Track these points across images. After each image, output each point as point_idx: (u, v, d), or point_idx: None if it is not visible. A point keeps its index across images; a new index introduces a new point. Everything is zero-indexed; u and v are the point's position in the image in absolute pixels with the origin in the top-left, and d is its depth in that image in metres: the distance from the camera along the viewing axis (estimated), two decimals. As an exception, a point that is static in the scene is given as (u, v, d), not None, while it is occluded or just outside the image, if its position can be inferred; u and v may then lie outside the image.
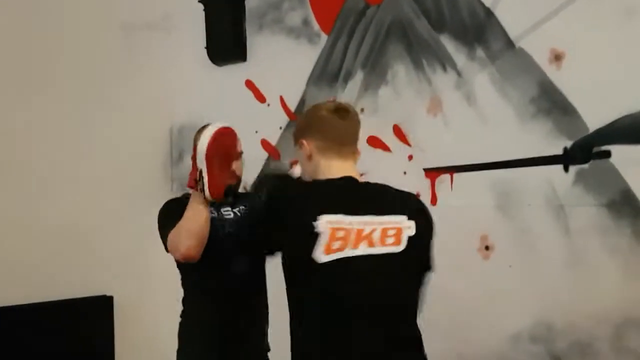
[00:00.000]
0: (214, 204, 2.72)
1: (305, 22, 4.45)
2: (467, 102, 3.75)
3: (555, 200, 3.45)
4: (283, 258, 2.18)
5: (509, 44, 3.61)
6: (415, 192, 3.86)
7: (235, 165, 2.76)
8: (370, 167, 4.04)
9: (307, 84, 4.43)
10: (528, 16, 3.53)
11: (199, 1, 4.85)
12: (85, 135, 4.81)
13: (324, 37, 4.37)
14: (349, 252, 2.05)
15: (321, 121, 2.29)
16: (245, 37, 4.74)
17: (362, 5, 4.19)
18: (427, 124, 3.89)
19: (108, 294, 4.74)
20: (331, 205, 2.10)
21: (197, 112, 4.91)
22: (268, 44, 4.64)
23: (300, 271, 2.10)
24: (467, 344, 3.65)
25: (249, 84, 4.71)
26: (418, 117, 3.92)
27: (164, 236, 2.75)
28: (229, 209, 2.90)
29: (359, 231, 2.08)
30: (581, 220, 3.37)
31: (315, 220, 2.05)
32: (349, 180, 2.22)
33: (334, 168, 2.24)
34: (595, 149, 3.33)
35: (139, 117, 5.01)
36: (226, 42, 4.77)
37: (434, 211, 3.76)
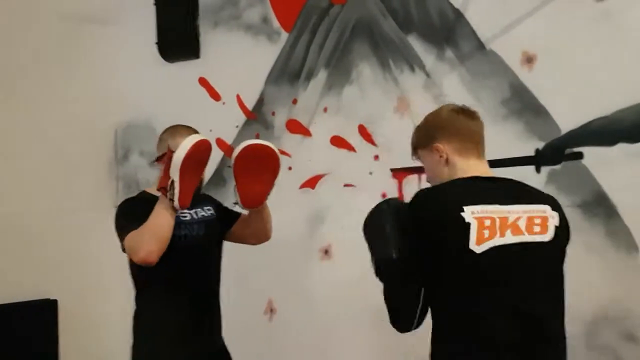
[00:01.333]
0: None
1: (265, 20, 4.38)
2: (436, 103, 3.75)
3: (527, 201, 3.48)
4: (432, 259, 2.05)
5: (480, 45, 3.64)
6: (381, 193, 3.87)
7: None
8: (334, 167, 4.06)
9: (266, 83, 4.35)
10: (499, 18, 3.58)
11: (149, -5, 4.71)
12: (25, 133, 4.60)
13: (284, 35, 4.30)
14: (497, 241, 2.01)
15: (454, 122, 2.26)
16: (199, 33, 4.62)
17: (325, 3, 4.15)
18: (394, 124, 3.88)
19: (52, 297, 4.54)
20: (472, 198, 2.06)
21: (145, 110, 4.78)
22: (223, 40, 4.54)
23: (458, 265, 2.02)
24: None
25: (203, 82, 4.59)
26: (385, 117, 3.92)
27: (122, 236, 2.73)
28: (186, 211, 2.87)
29: (503, 219, 2.04)
30: (553, 221, 3.41)
31: (462, 211, 2.01)
32: (487, 177, 2.21)
33: (472, 168, 2.21)
34: (568, 151, 3.40)
35: (82, 114, 4.82)
36: (178, 37, 4.65)
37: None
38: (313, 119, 4.17)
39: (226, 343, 3.04)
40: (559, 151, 3.41)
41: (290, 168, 4.14)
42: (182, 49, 4.66)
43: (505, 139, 3.55)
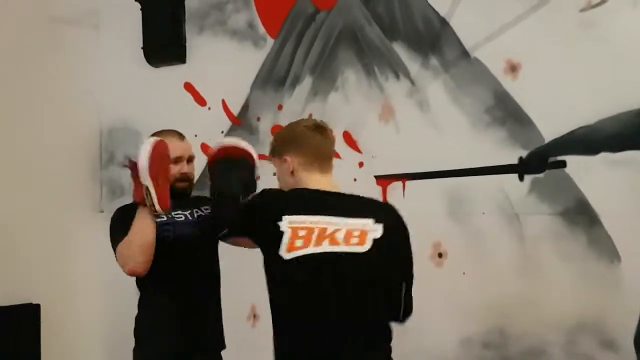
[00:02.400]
0: None
1: (251, 25, 4.38)
2: (421, 110, 3.78)
3: (510, 209, 3.51)
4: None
5: (464, 53, 3.66)
6: (365, 199, 3.87)
7: (188, 169, 2.88)
8: (318, 173, 4.05)
9: (252, 88, 4.36)
10: (484, 27, 3.59)
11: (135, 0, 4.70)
12: (8, 136, 4.58)
13: (270, 41, 4.31)
14: (310, 250, 2.21)
15: (304, 138, 2.43)
16: (185, 38, 4.62)
17: (311, 10, 4.16)
18: (379, 131, 3.89)
19: (34, 301, 4.52)
20: (297, 207, 2.28)
21: (131, 114, 4.77)
22: (209, 46, 4.54)
23: (270, 268, 2.29)
24: (419, 350, 3.66)
25: (188, 87, 4.60)
26: (369, 124, 3.92)
27: (114, 247, 2.78)
28: (180, 212, 2.89)
29: (322, 230, 2.23)
30: (536, 229, 3.44)
31: (280, 220, 2.23)
32: (321, 190, 2.38)
33: (314, 182, 2.39)
34: (551, 159, 3.41)
35: (67, 117, 4.81)
36: (164, 42, 4.65)
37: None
38: (298, 125, 4.16)
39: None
40: (542, 160, 3.43)
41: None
42: (168, 54, 4.67)
43: (488, 147, 3.56)
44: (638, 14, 3.25)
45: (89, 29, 4.96)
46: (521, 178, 3.49)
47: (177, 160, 2.81)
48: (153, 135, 3.01)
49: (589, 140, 3.32)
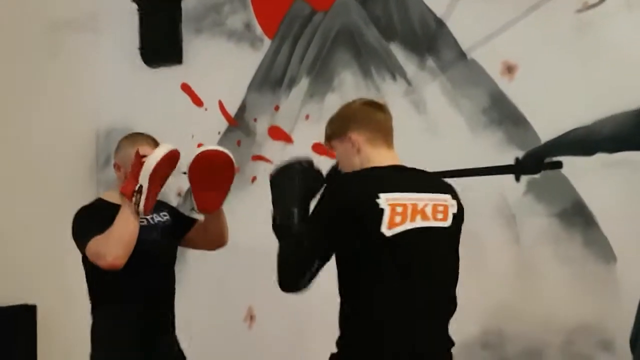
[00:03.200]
0: None
1: (248, 26, 4.38)
2: (417, 111, 3.78)
3: (506, 210, 3.51)
4: (345, 242, 2.26)
5: (461, 54, 3.66)
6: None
7: None
8: (316, 174, 4.05)
9: (249, 89, 4.35)
10: (480, 28, 3.60)
11: (132, 0, 4.69)
12: (4, 137, 4.57)
13: (267, 42, 4.31)
14: (407, 225, 2.22)
15: (366, 114, 2.41)
16: (182, 39, 4.62)
17: (308, 11, 4.16)
18: (375, 132, 3.88)
19: (31, 302, 4.50)
20: (389, 185, 2.26)
21: (128, 115, 4.76)
22: (206, 47, 4.54)
23: (368, 246, 2.23)
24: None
25: (185, 88, 4.59)
26: (366, 125, 3.91)
27: (83, 242, 2.77)
28: (142, 216, 2.88)
29: (414, 206, 2.26)
30: (532, 230, 3.45)
31: (377, 198, 2.20)
32: (399, 166, 2.40)
33: (383, 156, 2.38)
34: (547, 160, 3.42)
35: (64, 119, 4.80)
36: (161, 43, 4.65)
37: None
38: (295, 126, 4.17)
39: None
40: (538, 160, 3.44)
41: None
42: (165, 55, 4.66)
43: (485, 147, 3.57)
44: (634, 15, 3.26)
45: (87, 31, 4.95)
46: (517, 179, 3.49)
47: None
48: (127, 137, 3.02)
49: (585, 141, 3.32)
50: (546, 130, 3.42)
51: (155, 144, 2.88)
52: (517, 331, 3.44)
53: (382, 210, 2.19)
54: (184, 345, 3.12)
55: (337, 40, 4.05)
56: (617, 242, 3.26)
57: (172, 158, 2.66)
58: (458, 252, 2.43)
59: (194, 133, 4.49)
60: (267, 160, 4.20)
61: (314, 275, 2.28)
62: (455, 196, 2.41)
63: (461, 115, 3.65)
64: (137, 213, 2.65)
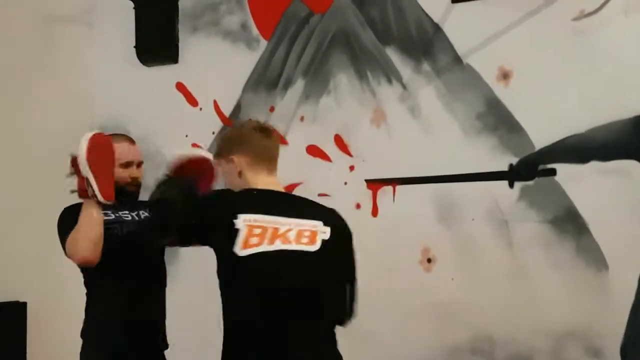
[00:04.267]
0: (112, 207, 2.80)
1: (244, 26, 4.38)
2: (412, 115, 3.79)
3: (499, 215, 3.52)
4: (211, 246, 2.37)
5: (457, 59, 3.67)
6: (355, 203, 3.89)
7: (137, 173, 2.90)
8: (309, 176, 4.06)
9: (244, 90, 4.35)
10: (477, 34, 3.61)
11: (129, -1, 4.69)
12: (-2, 132, 4.55)
13: (263, 43, 4.30)
14: (264, 247, 2.25)
15: (251, 139, 2.46)
16: (178, 38, 4.61)
17: (305, 12, 4.16)
18: (370, 135, 3.89)
19: (21, 299, 4.49)
20: (251, 206, 2.32)
21: (122, 113, 4.74)
22: (202, 46, 4.53)
23: (223, 265, 2.31)
24: (408, 355, 3.66)
25: (180, 87, 4.58)
26: (361, 128, 3.93)
27: (63, 241, 2.79)
28: (127, 212, 2.92)
29: (275, 229, 2.29)
30: (525, 236, 3.46)
31: (235, 218, 2.26)
32: (272, 190, 2.43)
33: (261, 182, 2.42)
34: (541, 167, 3.43)
35: (57, 115, 4.77)
36: (157, 42, 4.63)
37: (375, 223, 3.84)
38: (290, 128, 4.17)
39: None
40: (532, 167, 3.45)
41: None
42: (161, 54, 4.65)
43: (479, 153, 3.58)
44: (630, 23, 3.28)
45: (82, 27, 4.93)
46: (511, 185, 3.50)
47: (128, 164, 2.84)
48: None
49: (579, 149, 3.34)
50: (541, 137, 3.44)
51: (131, 142, 2.94)
52: (507, 337, 3.45)
53: (237, 230, 2.25)
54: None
55: (334, 42, 4.05)
56: (609, 250, 3.27)
57: (97, 141, 2.66)
58: (333, 275, 2.36)
59: (188, 132, 4.48)
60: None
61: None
62: (329, 223, 2.39)
63: (456, 120, 3.65)
64: (99, 204, 2.66)
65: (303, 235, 2.32)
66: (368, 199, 3.86)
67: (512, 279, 3.46)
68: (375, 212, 3.84)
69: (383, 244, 3.76)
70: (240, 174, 2.42)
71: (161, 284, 3.02)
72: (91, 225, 2.66)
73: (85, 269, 2.84)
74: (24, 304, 4.50)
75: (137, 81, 4.73)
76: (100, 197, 2.62)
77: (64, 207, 2.93)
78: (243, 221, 2.25)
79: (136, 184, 2.90)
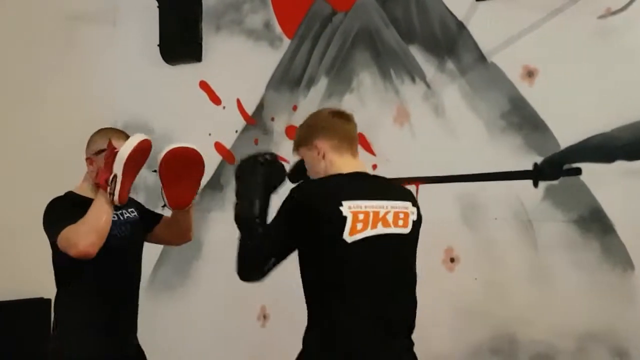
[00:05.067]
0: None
1: (267, 25, 4.38)
2: (436, 114, 3.77)
3: (524, 215, 3.49)
4: (306, 246, 2.36)
5: (481, 58, 3.64)
6: (378, 202, 3.86)
7: None
8: (332, 174, 4.05)
9: (267, 88, 4.35)
10: (501, 32, 3.58)
11: (152, -3, 4.71)
12: (21, 131, 4.58)
13: (286, 41, 4.31)
14: (369, 232, 2.31)
15: (332, 123, 2.50)
16: (201, 37, 4.63)
17: (328, 11, 4.16)
18: (393, 134, 3.88)
19: (45, 296, 4.51)
20: (351, 192, 2.34)
21: (145, 111, 4.78)
22: (225, 45, 4.54)
23: (330, 252, 2.31)
24: (427, 354, 3.63)
25: (204, 85, 4.60)
26: (384, 127, 3.91)
27: (55, 232, 2.76)
28: (114, 212, 2.88)
29: (376, 213, 2.34)
30: (549, 236, 3.42)
31: (341, 205, 2.29)
32: (362, 173, 2.48)
33: (347, 164, 2.45)
34: (566, 166, 3.39)
35: (81, 113, 4.79)
36: (180, 41, 4.66)
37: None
38: (312, 126, 4.16)
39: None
40: (557, 166, 3.41)
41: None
42: (184, 52, 4.67)
43: (503, 152, 3.55)
44: (657, 21, 3.24)
45: (106, 26, 4.97)
46: (535, 184, 3.47)
47: None
48: (98, 132, 3.01)
49: (605, 148, 3.30)
50: (566, 136, 3.40)
51: (127, 138, 2.87)
52: (529, 337, 3.42)
53: (345, 217, 2.28)
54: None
55: (357, 41, 4.05)
56: (635, 250, 3.23)
57: (144, 148, 2.68)
58: (415, 257, 2.49)
59: (211, 131, 4.51)
60: (284, 160, 4.16)
61: (269, 269, 2.37)
62: (415, 203, 2.49)
63: (480, 119, 3.63)
64: (112, 203, 2.67)
65: (399, 218, 2.38)
66: (391, 198, 3.85)
67: (536, 279, 3.43)
68: (398, 211, 3.82)
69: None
70: (324, 157, 2.45)
71: (137, 284, 3.03)
72: (103, 217, 2.66)
73: (61, 263, 2.85)
74: (48, 301, 4.51)
75: (161, 80, 4.76)
76: (116, 198, 2.64)
77: (51, 199, 2.94)
78: (348, 208, 2.29)
79: None
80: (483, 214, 3.60)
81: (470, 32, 3.68)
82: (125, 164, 2.62)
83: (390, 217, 2.36)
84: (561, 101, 3.41)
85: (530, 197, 3.48)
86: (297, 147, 2.56)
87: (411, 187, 3.76)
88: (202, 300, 4.54)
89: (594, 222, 3.32)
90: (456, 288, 3.62)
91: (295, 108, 4.24)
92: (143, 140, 2.66)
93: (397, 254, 2.39)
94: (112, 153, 2.67)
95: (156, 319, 4.33)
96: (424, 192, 3.76)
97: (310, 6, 4.22)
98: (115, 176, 2.63)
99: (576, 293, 3.34)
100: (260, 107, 4.38)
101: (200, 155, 2.82)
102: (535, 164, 3.47)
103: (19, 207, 4.46)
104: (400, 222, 2.38)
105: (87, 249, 2.62)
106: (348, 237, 2.28)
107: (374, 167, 3.91)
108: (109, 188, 2.64)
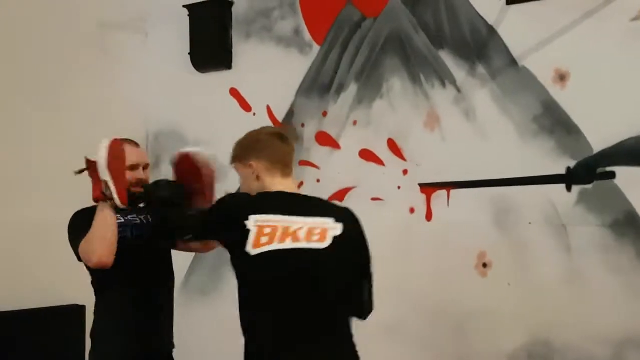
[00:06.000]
0: (121, 211, 2.83)
1: (297, 32, 4.39)
2: (467, 118, 3.75)
3: (557, 220, 3.46)
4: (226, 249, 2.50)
5: (512, 62, 3.63)
6: (409, 208, 3.86)
7: (144, 175, 2.93)
8: (362, 180, 4.06)
9: (297, 95, 4.36)
10: (532, 35, 3.56)
11: (183, 6, 4.74)
12: (55, 138, 4.62)
13: (315, 48, 4.31)
14: (275, 246, 2.34)
15: (270, 145, 2.54)
16: (232, 45, 4.65)
17: (357, 17, 4.16)
18: (424, 139, 3.87)
19: (80, 303, 4.54)
20: (263, 207, 2.41)
21: (177, 119, 4.81)
22: (255, 52, 4.56)
23: (237, 265, 2.42)
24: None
25: (234, 93, 4.62)
26: (414, 132, 3.91)
27: (75, 247, 2.84)
28: (136, 215, 2.96)
29: (286, 228, 2.37)
30: (583, 240, 3.40)
31: (246, 219, 2.37)
32: (285, 192, 2.51)
33: (277, 185, 2.50)
34: (600, 170, 3.36)
35: (114, 121, 4.83)
36: (211, 49, 4.67)
37: (429, 227, 3.81)
38: (342, 132, 4.17)
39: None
40: (590, 170, 3.39)
41: (318, 180, 4.16)
42: (215, 60, 4.69)
43: (535, 156, 3.53)
44: (691, 23, 3.20)
45: (137, 34, 5.01)
46: (569, 189, 3.45)
47: (134, 167, 2.86)
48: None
49: (639, 151, 3.27)
50: (599, 139, 3.38)
51: (136, 145, 2.98)
52: (565, 343, 3.40)
53: (248, 230, 2.35)
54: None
55: (387, 46, 4.04)
56: (670, 255, 3.20)
57: (114, 146, 2.72)
58: (348, 270, 2.43)
59: (242, 138, 4.51)
60: (314, 166, 4.21)
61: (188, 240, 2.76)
62: (340, 220, 2.45)
63: (511, 122, 3.61)
64: (115, 208, 2.71)
65: (314, 233, 2.39)
66: (422, 203, 3.84)
67: (570, 284, 3.40)
68: (429, 216, 3.82)
69: (438, 248, 3.74)
70: (258, 178, 2.50)
71: (169, 287, 3.05)
72: (107, 227, 2.70)
73: (95, 271, 2.86)
74: (83, 307, 4.54)
75: (192, 87, 4.78)
76: (117, 200, 2.67)
77: (76, 211, 2.98)
78: (254, 222, 2.35)
79: (142, 185, 2.91)
80: (516, 219, 3.58)
81: (501, 36, 3.66)
82: (108, 167, 2.66)
83: (302, 233, 2.38)
84: (594, 104, 3.38)
85: (563, 202, 3.46)
86: (232, 162, 2.62)
87: (442, 192, 3.78)
88: (236, 305, 4.54)
89: (629, 227, 3.29)
90: (489, 293, 3.60)
91: (325, 114, 4.24)
92: (112, 142, 2.72)
93: (309, 269, 2.37)
94: (93, 166, 2.72)
95: (190, 324, 4.35)
96: (455, 197, 3.75)
97: (340, 12, 4.23)
98: (106, 182, 2.68)
99: (611, 298, 3.31)
100: (290, 114, 4.39)
101: (202, 157, 2.85)
102: (569, 168, 3.44)
103: (55, 214, 4.50)
104: (315, 237, 2.38)
105: (100, 259, 2.69)
106: (251, 250, 2.33)
107: (405, 172, 3.92)
108: (106, 196, 2.69)
